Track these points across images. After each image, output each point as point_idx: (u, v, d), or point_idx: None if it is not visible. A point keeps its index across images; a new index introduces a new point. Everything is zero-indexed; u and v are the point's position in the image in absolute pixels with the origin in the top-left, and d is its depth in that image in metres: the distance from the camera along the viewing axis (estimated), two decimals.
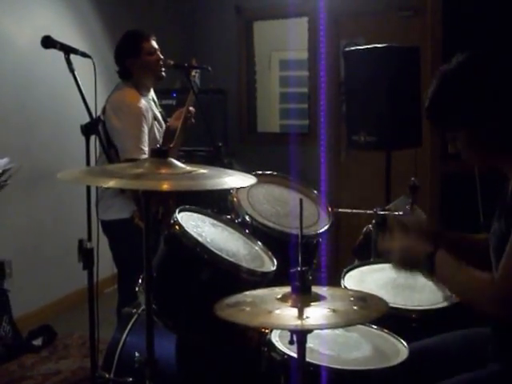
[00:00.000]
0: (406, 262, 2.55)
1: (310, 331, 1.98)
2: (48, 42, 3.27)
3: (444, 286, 2.57)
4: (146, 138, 4.16)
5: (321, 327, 2.15)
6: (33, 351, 5.00)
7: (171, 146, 4.15)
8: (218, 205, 3.29)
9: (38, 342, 5.09)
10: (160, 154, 2.29)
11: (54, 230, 5.84)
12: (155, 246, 2.74)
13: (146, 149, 4.12)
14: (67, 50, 3.26)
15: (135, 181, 2.16)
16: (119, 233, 4.24)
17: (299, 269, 2.02)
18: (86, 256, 3.13)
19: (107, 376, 3.00)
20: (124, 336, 3.06)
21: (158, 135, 4.39)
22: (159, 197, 3.98)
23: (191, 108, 4.58)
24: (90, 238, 3.17)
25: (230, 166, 3.83)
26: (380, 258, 3.35)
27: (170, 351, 2.89)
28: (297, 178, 3.63)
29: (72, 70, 3.21)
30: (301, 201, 2.07)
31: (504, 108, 2.27)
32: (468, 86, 2.29)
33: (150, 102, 4.41)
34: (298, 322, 1.90)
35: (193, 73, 4.60)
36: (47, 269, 5.73)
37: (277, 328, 2.44)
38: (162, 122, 4.52)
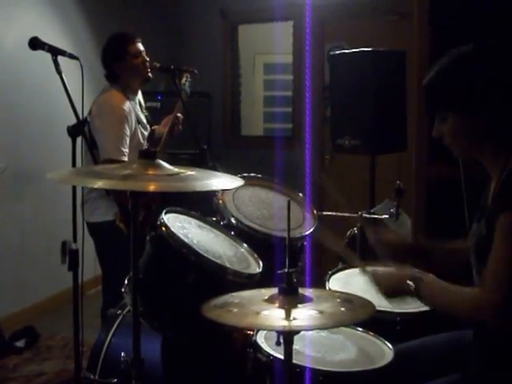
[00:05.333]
0: (391, 292, 2.57)
1: (297, 332, 1.99)
2: (36, 44, 3.27)
3: (432, 308, 2.57)
4: (126, 140, 4.16)
5: (308, 328, 2.17)
6: (16, 352, 4.98)
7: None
8: (200, 207, 3.29)
9: (20, 343, 5.07)
10: (148, 155, 2.30)
11: (38, 231, 5.81)
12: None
13: (127, 151, 4.13)
14: (55, 52, 3.27)
15: (123, 182, 2.17)
16: (105, 235, 4.24)
17: (286, 270, 2.03)
18: (72, 257, 3.13)
19: (92, 377, 2.99)
20: (109, 337, 3.05)
21: (142, 138, 4.40)
22: (142, 200, 3.99)
23: (179, 115, 4.60)
24: (75, 239, 3.17)
25: (213, 169, 3.84)
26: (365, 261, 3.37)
27: (155, 352, 2.89)
28: (281, 181, 3.64)
29: (59, 72, 3.21)
30: (289, 202, 2.08)
31: (501, 104, 2.28)
32: (476, 72, 2.29)
33: (135, 106, 4.42)
34: (286, 323, 1.91)
35: (183, 79, 4.62)
36: (30, 270, 5.71)
37: (264, 329, 2.45)
38: (147, 126, 4.53)
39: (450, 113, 2.35)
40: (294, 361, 2.12)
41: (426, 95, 2.45)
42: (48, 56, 3.26)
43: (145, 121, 4.52)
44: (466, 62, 2.33)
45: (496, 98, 2.28)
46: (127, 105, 4.26)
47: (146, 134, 4.47)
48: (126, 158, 4.09)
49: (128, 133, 4.19)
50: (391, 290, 2.55)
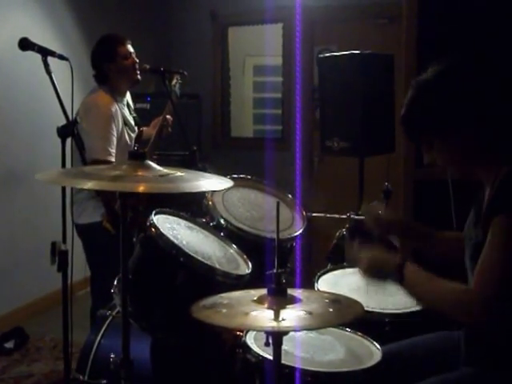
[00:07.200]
0: (374, 273, 2.56)
1: (286, 333, 2.00)
2: (25, 44, 3.27)
3: (414, 298, 2.52)
4: (114, 140, 4.16)
5: (297, 329, 2.18)
6: (5, 354, 4.98)
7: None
8: (190, 209, 3.29)
9: (9, 344, 5.06)
10: (138, 156, 2.31)
11: (27, 232, 5.81)
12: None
13: (114, 151, 4.13)
14: (44, 53, 3.26)
15: (113, 183, 2.18)
16: (93, 236, 4.23)
17: (275, 271, 2.04)
18: (61, 258, 3.13)
19: (81, 378, 2.99)
20: (98, 338, 3.06)
21: (129, 140, 4.39)
22: (130, 201, 3.99)
23: (168, 116, 4.60)
24: (64, 240, 3.17)
25: (203, 171, 3.84)
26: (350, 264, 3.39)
27: (144, 353, 2.89)
28: (271, 182, 3.66)
29: (49, 73, 3.20)
30: (278, 203, 2.09)
31: (477, 116, 2.30)
32: (442, 95, 2.32)
33: (123, 107, 4.41)
34: (274, 324, 1.92)
35: (173, 81, 4.63)
36: (20, 271, 5.71)
37: (253, 330, 2.46)
38: (135, 128, 4.52)
39: (433, 139, 2.37)
40: (283, 361, 2.13)
41: (405, 130, 2.46)
42: (38, 57, 3.26)
43: (132, 122, 4.51)
44: (434, 85, 2.36)
45: (468, 121, 2.31)
46: (114, 106, 4.25)
47: (133, 135, 4.46)
48: (113, 159, 4.09)
49: (115, 133, 4.18)
50: (374, 271, 2.53)
